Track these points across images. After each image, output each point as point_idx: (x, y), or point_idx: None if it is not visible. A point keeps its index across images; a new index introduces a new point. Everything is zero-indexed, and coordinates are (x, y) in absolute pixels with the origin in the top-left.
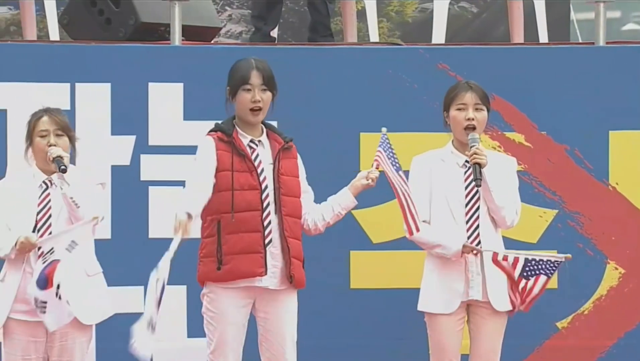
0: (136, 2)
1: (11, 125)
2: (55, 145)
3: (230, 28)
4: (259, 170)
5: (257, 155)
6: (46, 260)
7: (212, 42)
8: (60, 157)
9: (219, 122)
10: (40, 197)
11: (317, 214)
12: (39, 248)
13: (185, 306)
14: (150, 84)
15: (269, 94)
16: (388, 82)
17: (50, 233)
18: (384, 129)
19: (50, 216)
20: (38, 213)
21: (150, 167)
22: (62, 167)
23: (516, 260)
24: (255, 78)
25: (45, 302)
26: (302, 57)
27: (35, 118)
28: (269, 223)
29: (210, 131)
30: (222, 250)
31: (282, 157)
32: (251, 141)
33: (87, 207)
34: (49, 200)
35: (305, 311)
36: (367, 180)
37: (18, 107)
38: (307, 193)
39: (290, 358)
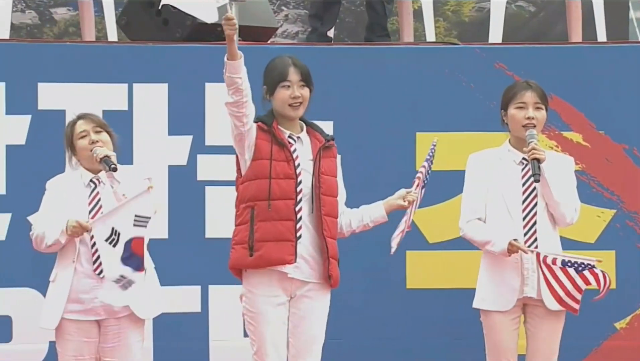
0: None
1: None
2: (97, 142)
3: (286, 28)
4: (296, 162)
5: (295, 150)
6: (114, 241)
7: (269, 42)
8: (108, 156)
9: None
10: (90, 195)
11: (345, 218)
12: (92, 239)
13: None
14: (207, 84)
15: (307, 90)
16: (444, 82)
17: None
18: (435, 140)
19: (101, 214)
20: (90, 212)
21: (207, 167)
22: (112, 166)
23: (554, 260)
24: (294, 75)
25: (133, 282)
26: (358, 57)
27: (71, 124)
28: (301, 213)
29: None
30: (254, 237)
31: (323, 156)
32: (289, 136)
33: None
34: (99, 199)
35: (362, 312)
36: (404, 202)
37: (76, 107)
38: (341, 195)
39: (315, 357)
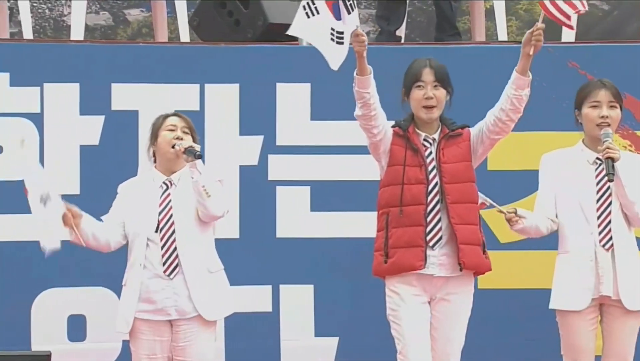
0: (265, 3)
1: (143, 125)
2: (181, 139)
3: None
4: (430, 166)
5: (430, 153)
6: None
7: None
8: (192, 145)
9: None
10: (161, 197)
11: (492, 113)
12: (162, 238)
13: (312, 305)
14: (278, 84)
15: (442, 91)
16: None
17: (172, 231)
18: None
19: (172, 215)
20: (160, 214)
21: (278, 167)
22: (198, 153)
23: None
24: (428, 75)
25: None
26: (429, 57)
27: (163, 117)
28: (438, 215)
29: (392, 126)
30: (389, 243)
31: (445, 145)
32: (424, 139)
33: (217, 198)
34: (170, 200)
35: None
36: (531, 44)
37: (149, 107)
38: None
39: (454, 359)
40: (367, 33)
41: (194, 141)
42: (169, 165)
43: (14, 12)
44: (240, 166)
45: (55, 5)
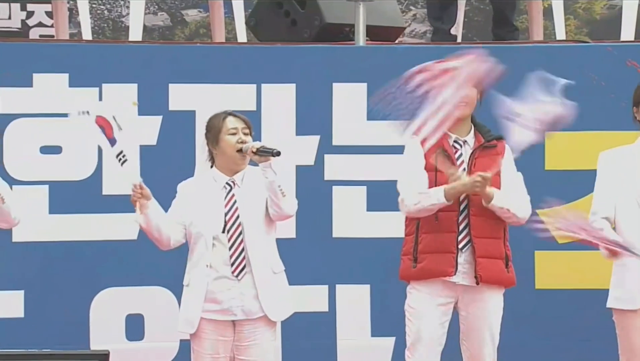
0: (321, 3)
1: (200, 125)
2: (245, 143)
3: (414, 27)
4: (459, 170)
5: (460, 155)
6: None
7: (396, 41)
8: (264, 145)
9: None
10: (225, 198)
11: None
12: (230, 239)
13: (368, 305)
14: (335, 84)
15: (474, 90)
16: (575, 80)
17: (240, 232)
18: None
19: (239, 216)
20: (226, 214)
21: (334, 167)
22: (276, 151)
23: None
24: None
25: None
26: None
27: (220, 119)
28: (466, 221)
29: None
30: (418, 248)
31: (479, 155)
32: (455, 141)
33: (290, 197)
34: (235, 201)
35: None
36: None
37: (206, 108)
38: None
39: (488, 359)
40: (424, 32)
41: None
42: (232, 167)
43: (73, 13)
44: (297, 166)
45: (114, 6)
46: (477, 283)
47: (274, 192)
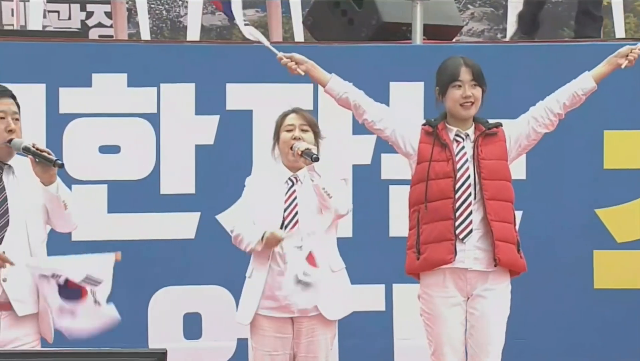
0: (379, 2)
1: (257, 125)
2: (300, 139)
3: (472, 26)
4: (461, 161)
5: (463, 147)
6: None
7: (454, 40)
8: (309, 148)
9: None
10: (286, 193)
11: (550, 101)
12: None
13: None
14: (392, 83)
15: (479, 90)
16: (633, 79)
17: (297, 229)
18: None
19: (297, 213)
20: (285, 210)
21: (391, 166)
22: (314, 156)
23: None
24: (465, 74)
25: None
26: (544, 55)
27: (283, 115)
28: (469, 209)
29: (422, 125)
30: (420, 240)
31: (483, 143)
32: (456, 134)
33: (338, 198)
34: (295, 197)
35: (547, 312)
36: (628, 58)
37: (263, 107)
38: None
39: (493, 358)
40: (482, 31)
41: (316, 136)
42: (290, 162)
43: (132, 13)
44: (354, 165)
45: (172, 6)
46: (495, 266)
47: (320, 194)
